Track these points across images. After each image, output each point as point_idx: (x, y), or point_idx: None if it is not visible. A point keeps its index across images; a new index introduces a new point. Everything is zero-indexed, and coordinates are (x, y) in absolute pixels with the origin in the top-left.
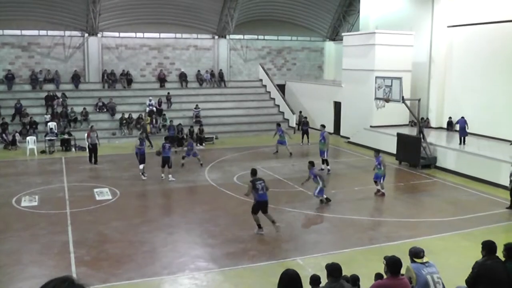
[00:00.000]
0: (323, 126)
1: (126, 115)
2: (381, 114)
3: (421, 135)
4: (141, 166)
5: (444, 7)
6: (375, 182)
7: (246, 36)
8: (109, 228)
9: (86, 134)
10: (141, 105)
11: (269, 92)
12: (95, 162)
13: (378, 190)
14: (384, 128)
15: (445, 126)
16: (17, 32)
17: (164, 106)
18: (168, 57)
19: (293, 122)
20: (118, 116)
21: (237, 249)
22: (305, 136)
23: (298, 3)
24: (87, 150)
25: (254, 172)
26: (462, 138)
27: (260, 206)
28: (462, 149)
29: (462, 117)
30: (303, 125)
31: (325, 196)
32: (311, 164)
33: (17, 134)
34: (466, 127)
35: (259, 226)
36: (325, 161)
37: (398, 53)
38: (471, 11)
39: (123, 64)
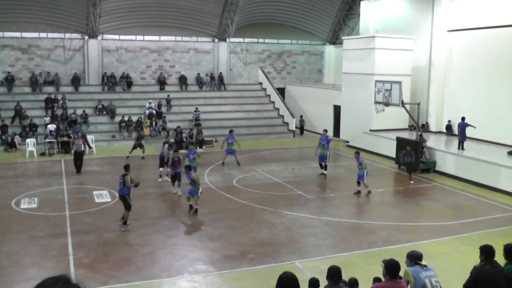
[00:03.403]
0: (326, 130)
1: (126, 118)
2: (380, 118)
3: (422, 140)
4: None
5: (444, 11)
6: (358, 182)
7: (246, 40)
8: (108, 231)
9: (71, 143)
10: (140, 108)
11: (269, 96)
12: (78, 171)
13: (359, 191)
14: (384, 132)
15: (444, 130)
16: (17, 34)
17: (163, 109)
18: (168, 60)
19: (293, 125)
20: (118, 118)
21: (236, 252)
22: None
23: (298, 7)
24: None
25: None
26: (461, 143)
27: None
28: (461, 153)
29: (463, 118)
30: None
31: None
32: (185, 171)
33: (16, 136)
34: (466, 130)
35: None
36: (325, 166)
37: (398, 57)
38: (471, 16)
39: (123, 67)
